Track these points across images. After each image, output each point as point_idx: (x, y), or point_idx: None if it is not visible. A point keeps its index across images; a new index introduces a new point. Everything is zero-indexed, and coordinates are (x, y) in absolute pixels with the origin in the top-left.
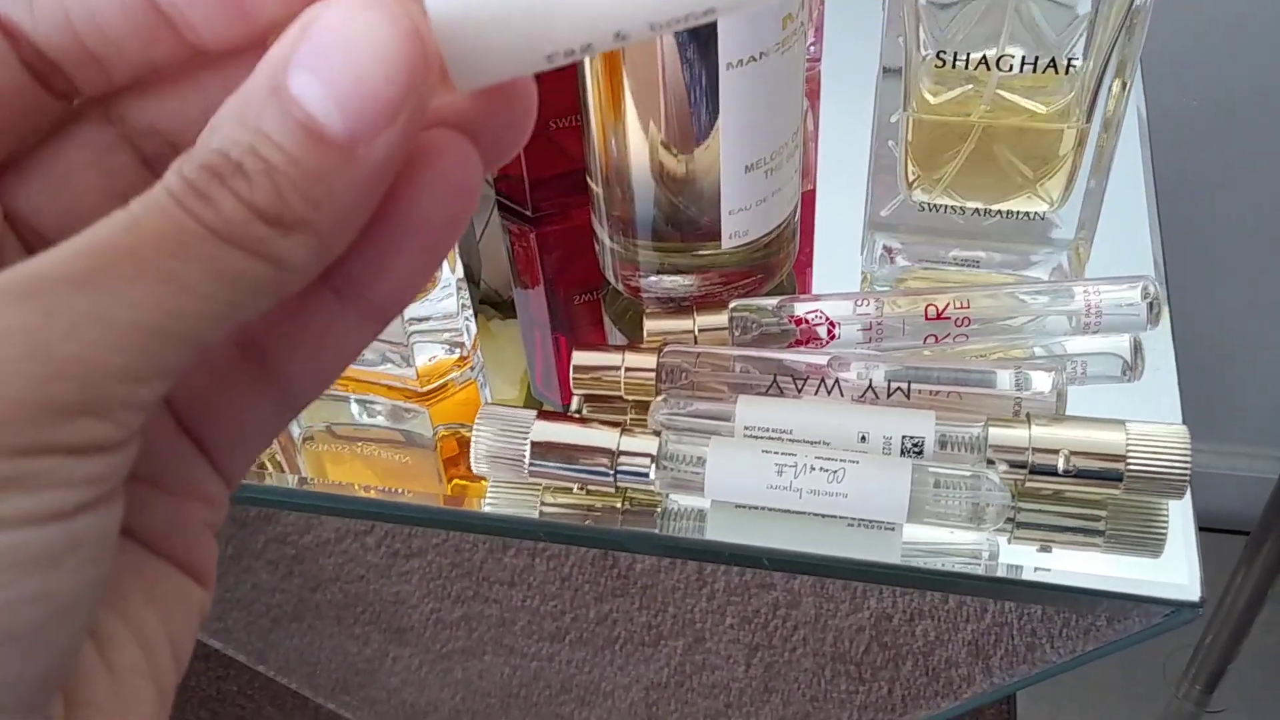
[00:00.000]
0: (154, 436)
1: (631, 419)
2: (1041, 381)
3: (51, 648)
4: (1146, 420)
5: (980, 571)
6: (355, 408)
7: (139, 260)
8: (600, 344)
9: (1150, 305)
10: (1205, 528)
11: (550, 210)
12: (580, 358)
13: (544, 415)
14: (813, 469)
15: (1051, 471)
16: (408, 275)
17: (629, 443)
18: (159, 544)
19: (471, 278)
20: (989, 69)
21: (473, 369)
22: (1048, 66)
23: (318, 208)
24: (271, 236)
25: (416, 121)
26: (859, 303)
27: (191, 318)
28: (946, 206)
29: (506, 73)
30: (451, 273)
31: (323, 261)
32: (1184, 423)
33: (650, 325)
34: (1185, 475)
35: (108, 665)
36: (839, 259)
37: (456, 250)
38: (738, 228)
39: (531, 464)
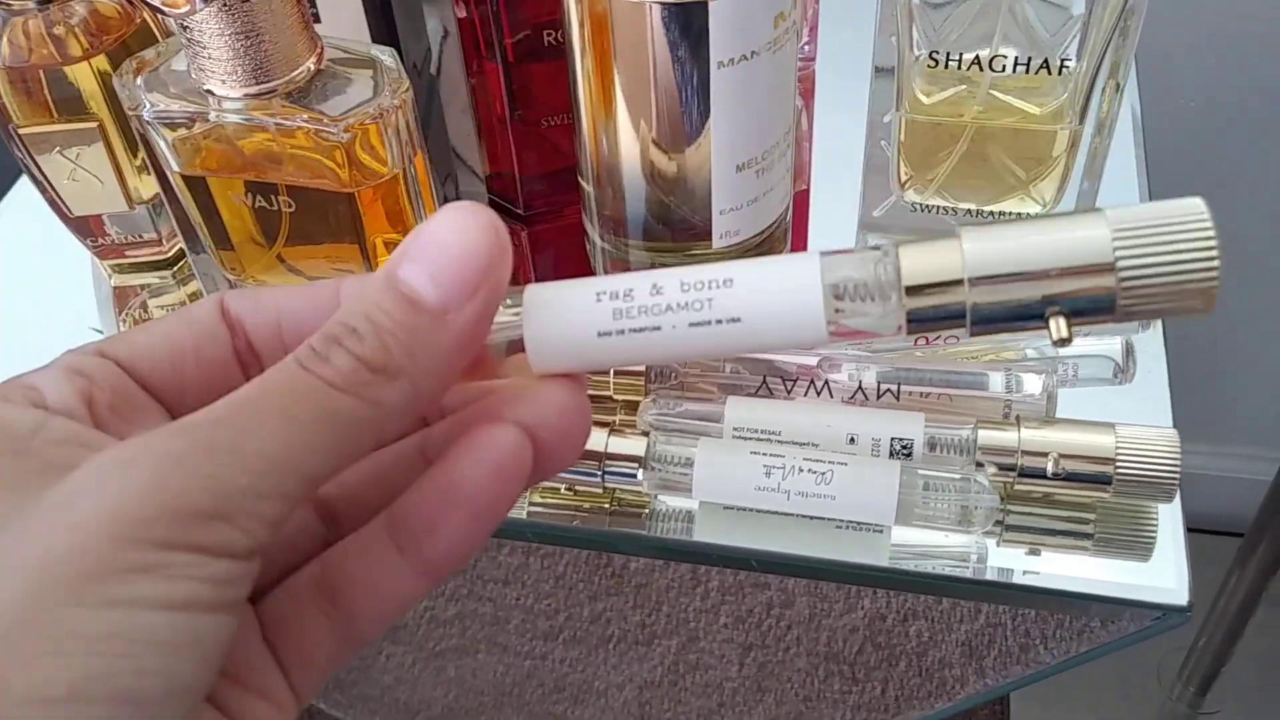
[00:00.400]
0: (243, 638)
1: (620, 419)
2: (1032, 384)
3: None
4: (1137, 423)
5: (969, 574)
6: None
7: (265, 406)
8: None
9: None
10: (1199, 529)
11: (542, 209)
12: None
13: None
14: (801, 470)
15: (1040, 474)
16: (455, 541)
17: (617, 444)
18: None
19: None
20: (982, 69)
21: None
22: (1041, 67)
23: (414, 359)
24: (375, 382)
25: (493, 299)
26: None
27: (305, 450)
28: (939, 207)
29: (570, 355)
30: None
31: (414, 408)
32: (1176, 425)
33: None
34: (1175, 479)
35: None
36: None
37: None
38: (729, 227)
39: None
